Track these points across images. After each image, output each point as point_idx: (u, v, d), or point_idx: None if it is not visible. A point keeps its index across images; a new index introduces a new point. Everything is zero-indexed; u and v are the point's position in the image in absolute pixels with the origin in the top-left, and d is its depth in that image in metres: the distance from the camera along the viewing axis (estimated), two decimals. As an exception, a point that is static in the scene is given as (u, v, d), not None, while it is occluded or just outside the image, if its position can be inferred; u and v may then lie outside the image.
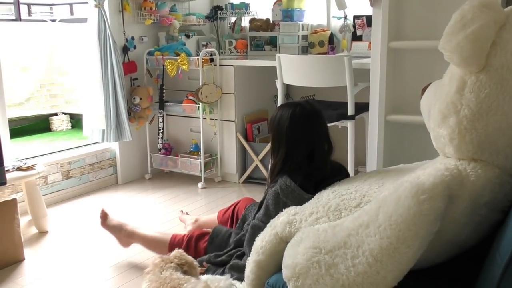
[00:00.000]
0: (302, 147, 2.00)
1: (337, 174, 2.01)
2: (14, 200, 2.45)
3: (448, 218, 1.30)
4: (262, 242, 1.66)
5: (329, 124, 2.94)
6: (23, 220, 2.93)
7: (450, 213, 1.30)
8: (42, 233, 2.84)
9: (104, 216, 2.52)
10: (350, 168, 3.00)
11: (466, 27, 1.32)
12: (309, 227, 1.52)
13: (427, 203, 1.26)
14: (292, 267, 1.40)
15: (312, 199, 1.74)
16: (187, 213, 2.99)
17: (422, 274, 1.39)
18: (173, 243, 2.24)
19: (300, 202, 1.80)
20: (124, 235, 2.44)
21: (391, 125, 2.54)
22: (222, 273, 2.01)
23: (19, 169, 2.73)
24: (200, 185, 3.62)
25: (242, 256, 2.05)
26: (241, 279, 1.86)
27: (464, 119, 1.35)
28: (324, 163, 2.02)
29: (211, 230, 2.29)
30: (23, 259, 2.50)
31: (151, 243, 2.35)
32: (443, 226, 1.30)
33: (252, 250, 1.69)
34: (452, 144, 1.41)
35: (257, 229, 1.82)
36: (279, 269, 1.58)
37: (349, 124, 2.95)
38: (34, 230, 2.87)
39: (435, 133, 1.50)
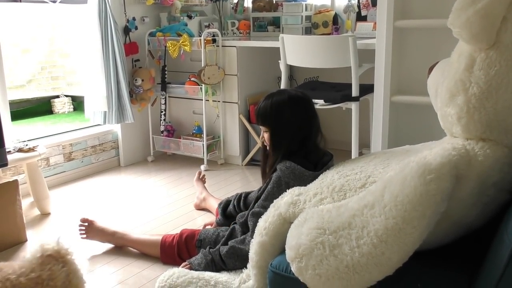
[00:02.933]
0: (302, 132, 2.00)
1: (325, 155, 2.05)
2: (16, 181, 2.44)
3: (455, 198, 1.28)
4: (265, 223, 1.64)
5: (333, 106, 2.94)
6: (26, 202, 2.93)
7: (457, 193, 1.28)
8: (44, 214, 2.84)
9: (89, 224, 2.39)
10: (354, 150, 2.97)
11: (476, 2, 1.27)
12: (313, 208, 1.50)
13: (434, 183, 1.23)
14: (295, 248, 1.38)
15: (317, 179, 1.72)
16: (204, 179, 2.97)
17: (428, 255, 1.38)
18: (164, 245, 2.20)
19: (302, 180, 1.79)
20: (115, 241, 2.38)
21: (396, 106, 2.51)
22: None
23: (20, 150, 2.71)
24: (203, 167, 3.60)
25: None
26: (242, 266, 1.84)
27: (472, 98, 1.32)
28: (316, 146, 2.04)
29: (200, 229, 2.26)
30: (26, 240, 2.49)
31: (143, 246, 2.31)
32: (450, 207, 1.27)
33: (255, 231, 1.68)
34: (460, 123, 1.38)
35: (260, 215, 1.78)
36: (283, 250, 1.56)
37: (354, 106, 2.91)
38: (36, 212, 2.86)
39: (442, 112, 1.46)
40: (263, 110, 2.04)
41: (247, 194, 2.35)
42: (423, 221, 1.23)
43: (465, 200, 1.29)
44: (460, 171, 1.28)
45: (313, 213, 1.45)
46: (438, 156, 1.28)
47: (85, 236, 2.38)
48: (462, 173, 1.28)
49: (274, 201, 1.70)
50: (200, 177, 2.96)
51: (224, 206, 2.41)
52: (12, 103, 3.82)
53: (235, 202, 2.36)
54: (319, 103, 2.93)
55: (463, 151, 1.32)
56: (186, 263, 2.02)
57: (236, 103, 3.61)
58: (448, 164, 1.26)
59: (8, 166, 2.61)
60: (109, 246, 2.41)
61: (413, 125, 2.51)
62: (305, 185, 1.71)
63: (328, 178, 1.65)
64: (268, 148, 2.08)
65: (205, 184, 2.93)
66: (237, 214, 2.23)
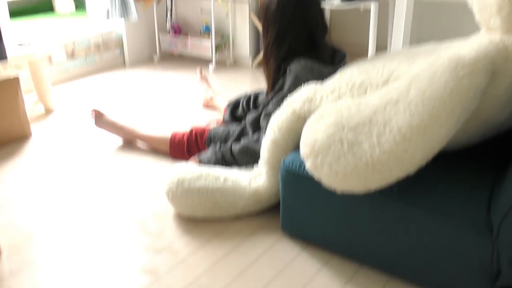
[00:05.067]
0: (296, 31, 1.85)
1: (337, 52, 1.92)
2: (17, 76, 2.35)
3: (489, 95, 1.18)
4: (278, 120, 1.56)
5: (350, 6, 2.75)
6: (30, 99, 2.85)
7: (491, 90, 1.18)
8: (48, 110, 2.78)
9: (99, 115, 2.38)
10: (371, 53, 2.83)
11: None
12: (331, 104, 1.41)
13: (467, 79, 1.13)
14: (310, 144, 1.31)
15: (334, 76, 1.61)
16: (206, 79, 2.90)
17: (452, 157, 1.31)
18: (174, 142, 2.17)
19: (321, 77, 1.68)
20: (124, 135, 2.36)
21: (419, 4, 2.34)
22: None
23: (21, 46, 2.59)
24: (211, 67, 3.47)
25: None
26: (254, 163, 1.79)
27: (518, -16, 1.18)
28: (323, 44, 1.89)
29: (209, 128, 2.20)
30: (30, 135, 2.45)
31: (152, 141, 2.27)
32: (481, 105, 1.18)
33: (268, 128, 1.60)
34: (500, 14, 1.24)
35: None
36: (296, 148, 1.49)
37: (373, 5, 2.73)
38: (40, 108, 2.80)
39: (481, 3, 1.32)
40: (261, 5, 1.93)
41: (256, 95, 2.25)
42: (452, 118, 1.14)
43: (499, 98, 1.20)
44: (497, 66, 1.17)
45: (330, 109, 1.36)
46: (473, 50, 1.18)
47: (95, 123, 2.38)
48: (498, 69, 1.18)
49: (288, 98, 1.61)
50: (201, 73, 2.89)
51: (233, 107, 2.33)
52: (12, 1, 3.61)
53: (244, 103, 2.27)
54: (335, 3, 2.75)
55: (500, 45, 1.21)
56: (195, 158, 1.98)
57: (247, 2, 3.40)
58: (484, 58, 1.15)
59: (10, 63, 2.51)
60: (118, 143, 2.37)
61: (437, 25, 2.35)
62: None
63: (347, 74, 1.55)
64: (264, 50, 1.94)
65: (213, 84, 2.83)
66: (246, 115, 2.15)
